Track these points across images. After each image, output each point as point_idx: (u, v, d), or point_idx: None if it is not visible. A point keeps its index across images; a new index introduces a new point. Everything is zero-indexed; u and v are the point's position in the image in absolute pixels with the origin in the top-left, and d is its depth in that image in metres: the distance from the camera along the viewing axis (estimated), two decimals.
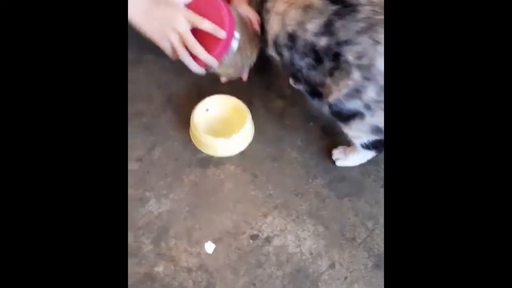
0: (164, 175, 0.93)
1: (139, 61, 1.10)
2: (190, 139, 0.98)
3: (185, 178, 0.93)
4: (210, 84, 1.04)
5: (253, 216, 0.88)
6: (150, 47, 1.11)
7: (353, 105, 0.73)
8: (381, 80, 0.67)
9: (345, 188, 0.92)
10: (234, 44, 0.86)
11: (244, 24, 0.88)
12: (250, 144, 0.98)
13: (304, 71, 0.78)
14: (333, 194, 0.91)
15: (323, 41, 0.71)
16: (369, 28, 0.66)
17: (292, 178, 0.93)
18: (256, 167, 0.95)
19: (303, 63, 0.77)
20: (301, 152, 0.97)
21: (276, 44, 0.82)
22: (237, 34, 0.85)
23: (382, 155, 0.94)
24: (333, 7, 0.69)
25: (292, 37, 0.76)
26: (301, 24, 0.73)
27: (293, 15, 0.75)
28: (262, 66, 1.09)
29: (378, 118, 0.73)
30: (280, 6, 0.78)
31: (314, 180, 0.93)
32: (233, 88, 1.03)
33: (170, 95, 1.05)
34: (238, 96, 1.00)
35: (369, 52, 0.67)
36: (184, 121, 0.98)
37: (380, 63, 0.66)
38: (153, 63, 1.11)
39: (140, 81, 1.07)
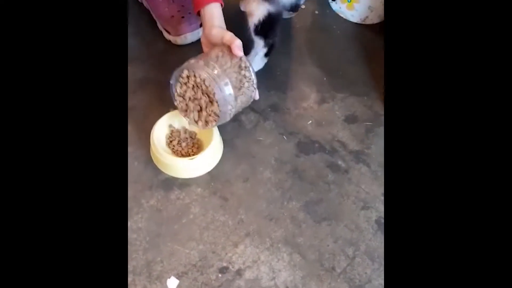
0: None
1: None
2: (151, 158, 0.88)
3: (145, 203, 0.83)
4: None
5: (223, 246, 0.79)
6: None
7: None
8: None
9: (322, 211, 0.84)
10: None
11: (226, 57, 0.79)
12: (219, 162, 0.88)
13: None
14: (310, 218, 0.83)
15: None
16: None
17: (265, 200, 0.85)
18: (225, 188, 0.85)
19: None
20: (275, 172, 0.88)
21: None
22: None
23: (358, 175, 0.87)
24: None
25: None
26: None
27: None
28: None
29: None
30: None
31: (290, 202, 0.85)
32: None
33: (130, 109, 0.94)
34: None
35: None
36: (145, 138, 0.88)
37: None
38: None
39: None
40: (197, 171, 0.86)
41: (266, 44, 0.95)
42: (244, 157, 0.90)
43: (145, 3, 1.10)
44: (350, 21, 1.16)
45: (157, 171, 0.87)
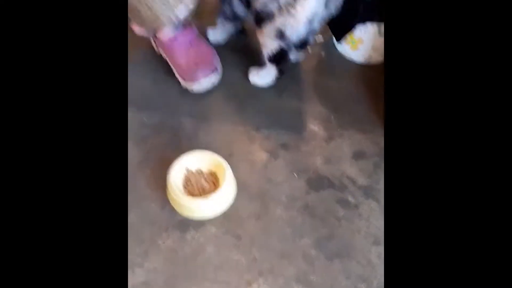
0: (139, 241, 0.86)
1: None
2: (168, 200, 0.92)
3: (162, 243, 0.86)
4: (188, 139, 1.00)
5: (236, 285, 0.81)
6: (130, 102, 1.08)
7: (271, 7, 0.94)
8: None
9: (334, 247, 0.86)
10: None
11: None
12: (233, 201, 0.92)
13: None
14: (321, 255, 0.85)
15: None
16: None
17: (277, 238, 0.87)
18: (239, 227, 0.88)
19: None
20: (286, 209, 0.91)
21: None
22: None
23: (368, 210, 0.89)
24: None
25: None
26: None
27: None
28: (243, 114, 1.06)
29: (282, 20, 0.94)
30: None
31: (301, 239, 0.87)
32: (213, 139, 0.99)
33: (148, 152, 1.00)
34: (218, 148, 0.96)
35: None
36: (162, 180, 0.93)
37: None
38: (131, 119, 1.06)
39: None
40: (211, 211, 0.90)
41: (277, 69, 1.08)
42: (256, 196, 0.94)
43: (163, 54, 1.19)
44: (355, 62, 1.22)
45: (173, 212, 0.91)
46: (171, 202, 0.91)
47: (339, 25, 1.19)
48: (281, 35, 0.97)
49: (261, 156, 1.01)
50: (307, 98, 1.13)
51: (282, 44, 1.00)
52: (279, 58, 1.04)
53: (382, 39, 1.14)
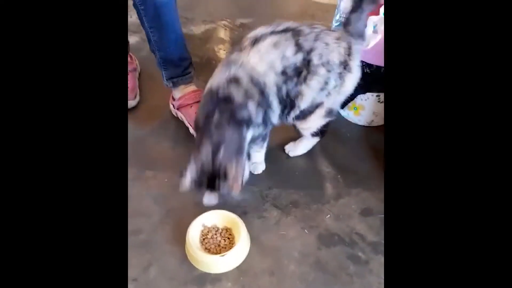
0: None
1: (138, 177, 1.15)
2: (187, 256, 0.97)
3: None
4: None
5: None
6: (150, 164, 1.18)
7: (320, 97, 1.00)
8: (336, 69, 0.98)
9: None
10: None
11: None
12: (247, 256, 0.96)
13: (291, 89, 0.98)
14: None
15: (299, 57, 0.95)
16: (317, 37, 0.96)
17: None
18: (254, 283, 0.92)
19: (291, 85, 0.98)
20: (298, 265, 0.95)
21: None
22: None
23: (378, 266, 0.93)
24: (288, 33, 0.95)
25: (283, 72, 0.96)
26: (282, 56, 0.95)
27: (271, 56, 0.95)
28: (256, 175, 1.14)
29: (332, 101, 1.03)
30: (251, 57, 0.95)
31: None
32: (229, 199, 1.06)
33: (168, 210, 1.07)
34: (233, 207, 1.02)
35: (324, 52, 0.96)
36: (182, 236, 0.99)
37: (332, 57, 0.97)
38: (152, 179, 1.15)
39: (139, 197, 1.10)
40: (227, 266, 0.94)
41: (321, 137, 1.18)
42: (270, 251, 0.98)
43: (179, 115, 1.32)
44: (358, 124, 1.32)
45: (192, 267, 0.95)
46: (189, 258, 0.96)
47: None
48: (330, 112, 1.06)
49: (273, 213, 1.07)
50: (315, 160, 1.22)
51: (331, 118, 1.09)
52: (325, 130, 1.13)
53: (382, 105, 1.26)
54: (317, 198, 1.10)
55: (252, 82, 0.93)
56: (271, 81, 0.95)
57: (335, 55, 0.98)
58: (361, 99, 1.26)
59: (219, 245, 0.97)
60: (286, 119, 1.05)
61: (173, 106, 1.32)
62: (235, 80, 0.93)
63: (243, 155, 0.92)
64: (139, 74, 1.50)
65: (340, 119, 1.35)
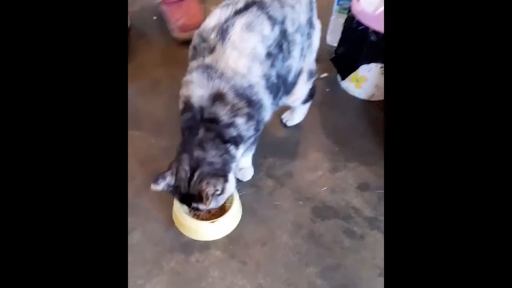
0: (143, 261, 0.84)
1: None
2: (173, 221, 0.91)
3: (166, 265, 0.84)
4: None
5: None
6: (136, 124, 1.10)
7: (300, 64, 0.93)
8: (306, 30, 0.91)
9: (340, 278, 0.85)
10: None
11: None
12: (238, 225, 0.91)
13: (280, 68, 0.87)
14: (327, 285, 0.83)
15: (276, 30, 0.84)
16: (281, 2, 0.86)
17: (283, 265, 0.86)
18: (244, 252, 0.87)
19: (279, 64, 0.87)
20: (292, 236, 0.91)
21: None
22: None
23: (373, 241, 0.89)
24: (254, 8, 0.83)
25: (268, 54, 0.84)
26: (261, 38, 0.83)
27: (250, 44, 0.82)
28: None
29: (308, 62, 0.96)
30: (228, 57, 0.81)
31: (307, 268, 0.86)
32: None
33: (154, 173, 1.00)
34: None
35: (294, 17, 0.87)
36: (168, 201, 0.92)
37: (301, 19, 0.89)
38: (138, 139, 1.07)
39: None
40: (217, 234, 0.89)
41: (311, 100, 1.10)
42: (263, 221, 0.93)
43: (162, 10, 1.31)
44: (358, 98, 1.27)
45: (178, 234, 0.90)
46: (176, 223, 0.90)
47: (345, 64, 1.25)
48: (311, 73, 1.00)
49: (268, 183, 1.01)
50: (312, 131, 1.16)
51: (314, 78, 1.02)
52: (313, 92, 1.07)
53: None
54: (313, 170, 1.05)
55: (238, 96, 0.80)
56: (257, 75, 0.82)
57: (302, 16, 0.90)
58: (364, 70, 1.20)
59: (209, 212, 0.91)
60: (277, 104, 0.94)
61: None
62: (219, 97, 0.80)
63: (224, 178, 0.80)
64: (129, 30, 1.39)
65: (339, 91, 1.29)
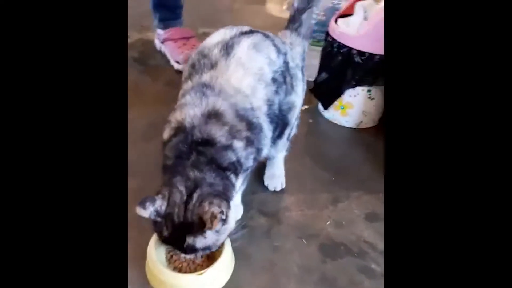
0: None
1: None
2: (148, 280, 0.71)
3: None
4: None
5: None
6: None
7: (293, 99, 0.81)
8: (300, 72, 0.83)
9: None
10: None
11: None
12: (232, 277, 0.72)
13: (282, 100, 0.78)
14: None
15: (281, 60, 0.77)
16: (281, 38, 0.83)
17: None
18: None
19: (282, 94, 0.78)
20: (300, 283, 0.73)
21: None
22: None
23: None
24: (259, 34, 0.78)
25: (274, 79, 0.76)
26: (268, 60, 0.76)
27: (258, 63, 0.75)
28: None
29: (299, 101, 0.84)
30: (231, 74, 0.73)
31: None
32: None
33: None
34: None
35: (293, 55, 0.83)
36: (141, 257, 0.72)
37: (297, 60, 0.84)
38: None
39: None
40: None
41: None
42: (262, 268, 0.75)
43: (163, 49, 1.41)
44: (344, 127, 1.17)
45: None
46: (151, 282, 0.70)
47: (327, 92, 1.18)
48: (298, 114, 0.87)
49: (260, 221, 0.85)
50: (302, 162, 1.03)
51: (298, 121, 0.90)
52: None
53: (372, 102, 1.13)
54: (311, 202, 0.91)
55: (237, 116, 0.69)
56: (261, 98, 0.73)
57: (297, 57, 0.85)
58: (350, 95, 1.13)
59: (193, 262, 0.72)
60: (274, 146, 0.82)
61: (159, 39, 1.42)
62: (215, 115, 0.67)
63: (227, 202, 0.63)
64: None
65: (324, 122, 1.20)
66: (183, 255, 0.66)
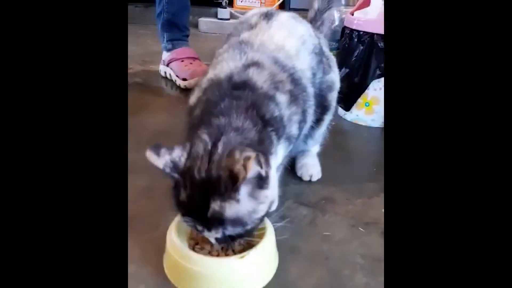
0: None
1: None
2: (165, 277, 0.52)
3: None
4: None
5: None
6: None
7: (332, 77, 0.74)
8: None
9: None
10: None
11: None
12: (279, 269, 0.54)
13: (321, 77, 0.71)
14: None
15: (316, 39, 0.72)
16: None
17: None
18: None
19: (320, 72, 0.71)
20: (370, 274, 0.55)
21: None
22: None
23: None
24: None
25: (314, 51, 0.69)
26: (309, 32, 0.71)
27: (299, 29, 0.70)
28: None
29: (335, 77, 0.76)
30: (273, 31, 0.66)
31: None
32: None
33: (132, 217, 0.63)
34: None
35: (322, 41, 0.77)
36: (153, 254, 0.55)
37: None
38: None
39: None
40: (251, 281, 0.50)
41: None
42: (316, 260, 0.57)
43: (168, 72, 1.37)
44: (371, 127, 1.06)
45: None
46: (173, 277, 0.51)
47: (348, 89, 1.08)
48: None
49: (301, 211, 0.68)
50: (338, 158, 0.89)
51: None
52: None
53: None
54: (358, 192, 0.75)
55: (279, 66, 0.60)
56: (305, 62, 0.64)
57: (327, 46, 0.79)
58: (375, 88, 1.03)
59: (225, 252, 0.53)
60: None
61: (163, 63, 1.38)
62: (255, 64, 0.58)
63: (265, 155, 0.47)
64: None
65: (347, 125, 1.08)
66: (207, 233, 0.48)
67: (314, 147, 0.80)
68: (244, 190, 0.45)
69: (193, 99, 0.59)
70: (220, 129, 0.49)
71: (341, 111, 1.11)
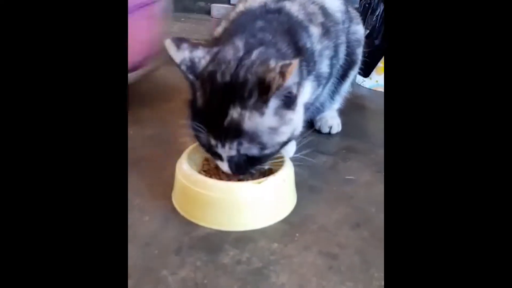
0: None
1: None
2: (173, 208, 0.48)
3: (170, 275, 0.39)
4: None
5: None
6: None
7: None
8: None
9: None
10: None
11: None
12: (298, 205, 0.50)
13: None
14: None
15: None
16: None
17: None
18: (326, 240, 0.45)
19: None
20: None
21: None
22: None
23: None
24: None
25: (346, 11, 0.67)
26: None
27: None
28: None
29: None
30: None
31: None
32: None
33: (137, 160, 0.60)
34: None
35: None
36: (160, 188, 0.51)
37: None
38: None
39: None
40: (268, 210, 0.46)
41: None
42: (338, 198, 0.53)
43: None
44: None
45: (187, 226, 0.45)
46: (180, 207, 0.47)
47: (366, 54, 1.03)
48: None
49: (322, 158, 0.64)
50: (359, 116, 0.84)
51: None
52: None
53: None
54: (380, 145, 0.70)
55: (312, 2, 0.58)
56: (339, 10, 0.63)
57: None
58: None
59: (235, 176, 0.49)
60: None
61: None
62: None
63: (302, 80, 0.49)
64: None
65: (366, 92, 1.04)
66: (221, 150, 0.43)
67: (335, 105, 0.76)
68: (272, 104, 0.41)
69: (219, 29, 0.56)
70: (258, 41, 0.46)
71: (359, 78, 1.06)
